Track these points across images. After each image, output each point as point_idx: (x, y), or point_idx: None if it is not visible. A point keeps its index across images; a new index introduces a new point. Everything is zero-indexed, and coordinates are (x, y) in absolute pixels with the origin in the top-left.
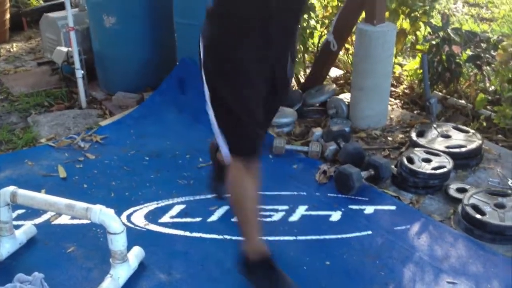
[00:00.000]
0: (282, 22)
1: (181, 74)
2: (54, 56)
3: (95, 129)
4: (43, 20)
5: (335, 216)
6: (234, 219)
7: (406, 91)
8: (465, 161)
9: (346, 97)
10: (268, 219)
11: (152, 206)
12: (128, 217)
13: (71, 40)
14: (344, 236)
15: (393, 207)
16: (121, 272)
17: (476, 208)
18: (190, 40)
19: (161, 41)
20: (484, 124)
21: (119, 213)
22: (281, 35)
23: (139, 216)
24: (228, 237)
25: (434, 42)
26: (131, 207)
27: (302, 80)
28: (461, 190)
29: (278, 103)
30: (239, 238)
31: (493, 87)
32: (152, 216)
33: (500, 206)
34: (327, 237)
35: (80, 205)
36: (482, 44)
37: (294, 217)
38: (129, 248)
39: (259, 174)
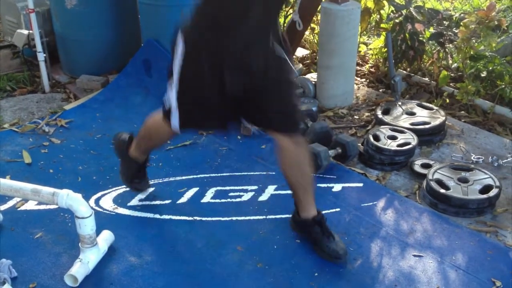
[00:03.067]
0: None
1: (146, 55)
2: (15, 39)
3: (59, 113)
4: (2, 2)
5: None
6: (202, 201)
7: (372, 69)
8: (429, 137)
9: (312, 76)
10: (238, 199)
11: (120, 189)
12: (97, 201)
13: (31, 22)
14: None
15: (360, 184)
16: (90, 256)
17: (440, 183)
18: (154, 20)
19: (125, 22)
20: (447, 100)
21: (87, 198)
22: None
23: (107, 200)
24: (198, 218)
25: (397, 21)
26: (99, 191)
27: None
28: (426, 166)
29: (277, 88)
30: (210, 219)
31: (455, 64)
32: (121, 200)
33: (463, 180)
34: None
35: (47, 190)
36: (444, 22)
37: (264, 197)
38: (98, 232)
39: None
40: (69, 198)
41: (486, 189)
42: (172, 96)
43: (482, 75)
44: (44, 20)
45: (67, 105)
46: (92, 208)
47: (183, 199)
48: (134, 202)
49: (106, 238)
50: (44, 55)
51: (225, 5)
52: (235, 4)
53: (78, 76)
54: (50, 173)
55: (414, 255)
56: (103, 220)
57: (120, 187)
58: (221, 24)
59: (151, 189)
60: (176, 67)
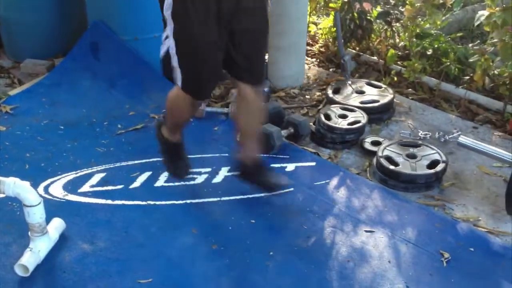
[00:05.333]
0: None
1: (93, 38)
2: None
3: (3, 99)
4: None
5: None
6: (156, 185)
7: (322, 49)
8: (379, 115)
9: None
10: (192, 182)
11: (70, 176)
12: (46, 189)
13: None
14: (267, 194)
15: (313, 163)
16: (41, 244)
17: (389, 159)
18: (100, 1)
19: (69, 2)
20: (395, 78)
21: (35, 185)
22: None
23: (57, 187)
24: (152, 202)
25: (345, 0)
26: (48, 178)
27: None
28: (376, 143)
29: (250, 37)
30: (164, 202)
31: (402, 43)
32: (71, 186)
33: (412, 156)
34: (250, 196)
35: None
36: (391, 1)
37: (218, 179)
38: (48, 220)
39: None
40: (16, 186)
41: (433, 164)
42: (171, 43)
43: (428, 53)
44: None
45: (11, 90)
46: (41, 195)
47: (135, 184)
48: (85, 188)
49: (56, 226)
50: None
51: None
52: None
53: (22, 60)
54: None
55: (366, 231)
56: (53, 208)
57: (69, 173)
58: None
59: (102, 174)
60: (168, 9)
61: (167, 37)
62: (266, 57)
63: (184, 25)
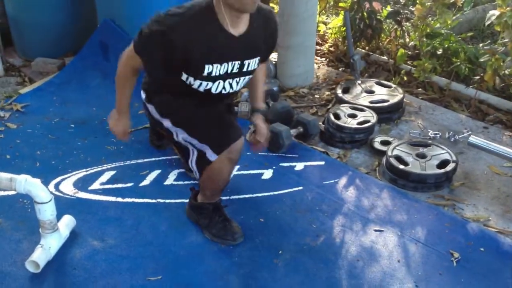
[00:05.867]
0: None
1: (103, 37)
2: None
3: (14, 97)
4: None
5: (267, 174)
6: (165, 183)
7: (331, 49)
8: (388, 115)
9: (273, 56)
10: None
11: (81, 173)
12: (56, 186)
13: None
14: (276, 193)
15: (322, 163)
16: (52, 241)
17: (399, 159)
18: (110, 0)
19: (80, 1)
20: (405, 78)
21: (46, 183)
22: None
23: (67, 185)
24: (161, 200)
25: None
26: (58, 176)
27: None
28: (385, 143)
29: None
30: (173, 201)
31: (412, 42)
32: (82, 184)
33: (421, 156)
34: (259, 195)
35: (4, 175)
36: (401, 0)
37: None
38: (59, 217)
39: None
40: (28, 183)
41: (443, 164)
42: (190, 139)
43: (438, 52)
44: None
45: (22, 88)
46: (51, 193)
47: (145, 182)
48: (95, 186)
49: (67, 223)
50: None
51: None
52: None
53: (33, 59)
54: (7, 158)
55: (375, 230)
56: (64, 205)
57: (80, 171)
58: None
59: (112, 172)
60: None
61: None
62: (275, 58)
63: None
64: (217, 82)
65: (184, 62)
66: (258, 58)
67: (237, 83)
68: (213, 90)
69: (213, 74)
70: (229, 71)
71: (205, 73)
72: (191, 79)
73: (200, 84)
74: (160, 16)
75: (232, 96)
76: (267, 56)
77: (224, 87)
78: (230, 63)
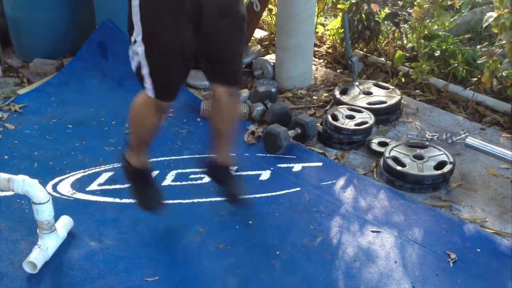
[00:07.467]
0: None
1: (101, 38)
2: None
3: (13, 98)
4: None
5: (265, 175)
6: (163, 184)
7: (329, 50)
8: (386, 116)
9: (271, 58)
10: (199, 182)
11: (78, 174)
12: (54, 187)
13: None
14: (274, 194)
15: (319, 164)
16: (49, 242)
17: (396, 160)
18: (108, 1)
19: (78, 2)
20: (403, 80)
21: (44, 183)
22: None
23: (65, 185)
24: None
25: (353, 1)
26: (56, 176)
27: None
28: (383, 144)
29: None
30: (171, 201)
31: (410, 44)
32: (79, 185)
33: (419, 157)
34: (257, 195)
35: (2, 176)
36: (399, 2)
37: None
38: (56, 218)
39: (165, 115)
40: (25, 183)
41: (440, 165)
42: (138, 48)
43: (436, 54)
44: None
45: (20, 89)
46: (49, 193)
47: None
48: (93, 186)
49: (65, 223)
50: None
51: None
52: None
53: (31, 59)
54: (5, 159)
55: (372, 231)
56: (62, 206)
57: (78, 171)
58: None
59: (110, 173)
60: (136, 14)
61: (135, 42)
62: (273, 60)
63: (154, 29)
64: None
65: None
66: None
67: None
68: None
69: None
70: None
71: None
72: None
73: None
74: None
75: None
76: None
77: None
78: None
